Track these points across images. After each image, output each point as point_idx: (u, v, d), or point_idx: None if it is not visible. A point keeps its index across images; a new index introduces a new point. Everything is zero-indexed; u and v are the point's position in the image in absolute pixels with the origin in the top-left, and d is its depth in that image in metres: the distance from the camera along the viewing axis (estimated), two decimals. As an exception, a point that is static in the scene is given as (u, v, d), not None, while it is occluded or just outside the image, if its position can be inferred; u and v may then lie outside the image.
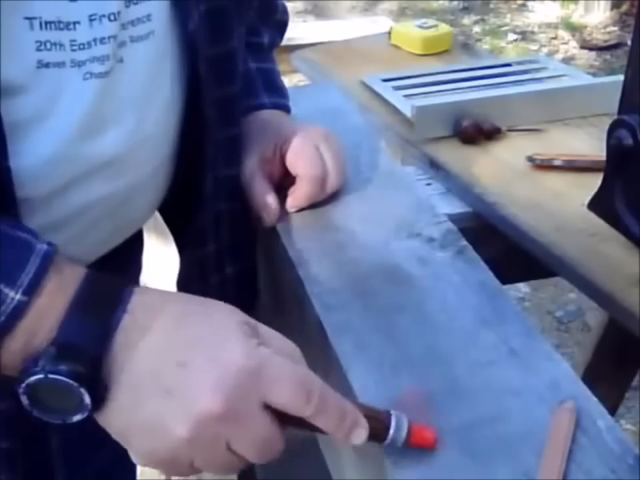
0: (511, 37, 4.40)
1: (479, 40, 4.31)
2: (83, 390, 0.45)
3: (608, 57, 4.10)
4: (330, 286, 0.65)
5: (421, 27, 1.44)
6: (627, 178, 0.80)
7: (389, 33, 1.47)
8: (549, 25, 4.54)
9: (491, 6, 4.84)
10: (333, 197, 0.77)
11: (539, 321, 2.26)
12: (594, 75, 2.22)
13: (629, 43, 0.84)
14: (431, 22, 1.47)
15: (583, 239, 0.83)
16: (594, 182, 0.83)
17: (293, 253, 0.70)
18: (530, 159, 0.99)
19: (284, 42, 0.93)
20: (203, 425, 0.45)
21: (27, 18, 0.52)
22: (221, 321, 0.48)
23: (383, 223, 0.73)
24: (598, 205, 0.84)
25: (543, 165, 0.97)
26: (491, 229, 0.90)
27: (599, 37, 4.28)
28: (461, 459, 0.49)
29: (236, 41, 0.69)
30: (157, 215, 0.76)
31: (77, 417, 0.47)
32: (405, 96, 1.16)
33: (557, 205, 0.89)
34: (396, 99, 1.15)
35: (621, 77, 0.81)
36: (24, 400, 0.46)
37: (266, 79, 0.83)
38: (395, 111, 1.13)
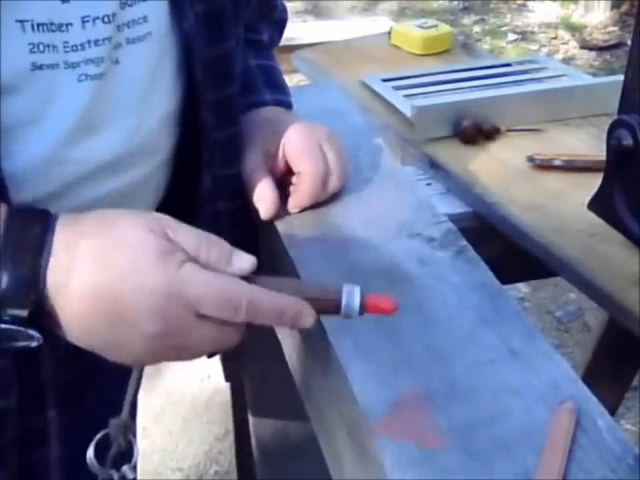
0: (511, 36, 4.40)
1: (479, 40, 4.32)
2: (31, 331, 0.50)
3: (608, 56, 4.10)
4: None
5: (420, 27, 1.44)
6: (627, 178, 0.80)
7: (389, 33, 1.47)
8: (548, 25, 4.54)
9: (491, 6, 4.84)
10: (334, 197, 0.77)
11: (539, 320, 2.26)
12: (594, 75, 2.22)
13: (629, 42, 0.84)
14: (431, 22, 1.47)
15: (582, 239, 0.83)
16: (594, 182, 0.83)
17: (293, 252, 0.70)
18: (530, 159, 0.99)
19: (284, 42, 0.93)
20: (152, 344, 0.51)
21: (18, 21, 0.52)
22: (137, 246, 0.50)
23: (383, 222, 0.73)
24: (598, 205, 0.84)
25: (543, 165, 0.98)
26: (491, 229, 0.90)
27: (599, 37, 4.28)
28: (460, 459, 0.49)
29: (233, 42, 0.69)
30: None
31: (33, 345, 0.51)
32: (405, 96, 1.16)
33: (557, 204, 0.89)
34: (396, 99, 1.15)
35: (621, 77, 0.81)
36: None
37: (267, 76, 0.82)
38: (395, 110, 1.13)
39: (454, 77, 1.23)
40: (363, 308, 0.53)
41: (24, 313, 0.49)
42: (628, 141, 0.77)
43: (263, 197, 0.73)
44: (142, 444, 0.96)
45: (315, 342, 0.63)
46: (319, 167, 0.73)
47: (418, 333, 0.59)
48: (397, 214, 0.74)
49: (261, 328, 0.54)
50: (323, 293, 0.54)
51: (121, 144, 0.62)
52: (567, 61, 3.96)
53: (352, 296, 0.53)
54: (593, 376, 1.34)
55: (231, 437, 1.64)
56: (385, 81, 1.23)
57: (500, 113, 1.07)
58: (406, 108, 1.10)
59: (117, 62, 0.59)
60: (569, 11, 4.61)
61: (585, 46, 4.22)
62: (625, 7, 4.38)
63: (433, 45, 1.41)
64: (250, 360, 1.14)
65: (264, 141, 0.75)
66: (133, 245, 0.50)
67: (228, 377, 1.41)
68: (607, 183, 0.82)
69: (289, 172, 0.76)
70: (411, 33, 1.43)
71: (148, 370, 0.94)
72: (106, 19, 0.56)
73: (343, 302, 0.53)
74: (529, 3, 4.79)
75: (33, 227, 0.50)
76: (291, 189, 0.75)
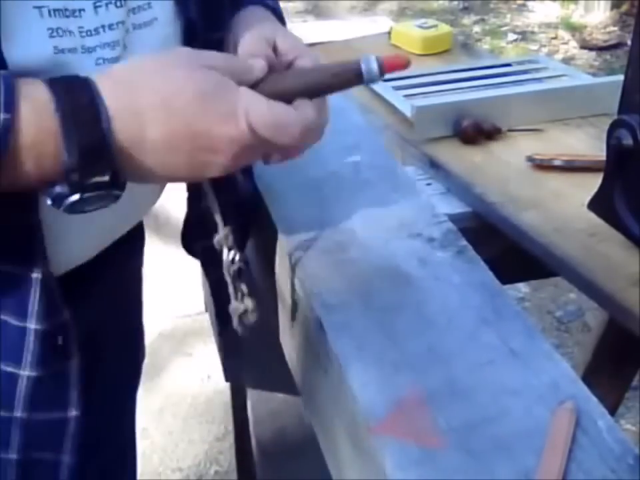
0: (511, 36, 4.40)
1: (479, 40, 4.32)
2: (114, 191, 0.53)
3: (608, 56, 4.10)
4: (330, 286, 0.65)
5: (420, 27, 1.44)
6: (627, 178, 0.80)
7: (389, 33, 1.47)
8: (548, 25, 4.54)
9: (491, 6, 4.84)
10: (333, 197, 0.77)
11: (539, 320, 2.26)
12: (594, 75, 2.22)
13: (629, 42, 0.84)
14: (431, 22, 1.47)
15: (582, 239, 0.83)
16: (594, 182, 0.83)
17: (293, 252, 0.70)
18: (530, 159, 0.99)
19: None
20: (235, 156, 0.55)
21: (35, 7, 0.54)
22: (194, 86, 0.54)
23: (383, 222, 0.73)
24: (598, 204, 0.84)
25: (543, 165, 0.97)
26: (490, 229, 0.90)
27: (599, 37, 4.29)
28: (461, 459, 0.49)
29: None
30: (158, 215, 0.76)
31: (113, 203, 0.55)
32: (405, 96, 1.16)
33: (557, 204, 0.89)
34: (396, 98, 1.15)
35: (621, 77, 0.81)
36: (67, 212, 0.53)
37: None
38: (395, 110, 1.13)
39: (454, 77, 1.23)
40: (382, 69, 0.61)
41: (105, 178, 0.52)
42: (628, 140, 0.77)
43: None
44: (142, 444, 0.96)
45: (315, 342, 0.63)
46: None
47: (418, 333, 0.59)
48: (397, 214, 0.74)
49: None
50: (343, 67, 0.62)
51: None
52: (567, 60, 3.96)
53: (369, 61, 0.61)
54: (592, 376, 1.34)
55: (231, 437, 1.64)
56: (385, 80, 1.23)
57: (500, 113, 1.06)
58: (406, 108, 1.10)
59: (124, 47, 0.60)
60: (568, 11, 4.61)
61: (585, 46, 4.22)
62: (624, 7, 4.38)
63: (433, 45, 1.41)
64: (250, 360, 1.15)
65: (260, 27, 0.72)
66: (188, 90, 0.53)
67: (228, 377, 1.41)
68: (607, 182, 0.82)
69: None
70: (411, 33, 1.43)
71: (148, 370, 0.95)
72: (118, 3, 0.58)
73: (363, 68, 0.60)
74: (529, 3, 4.80)
75: (79, 97, 0.51)
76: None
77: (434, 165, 1.01)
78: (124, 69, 0.55)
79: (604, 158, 0.83)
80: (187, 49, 0.58)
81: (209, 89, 0.54)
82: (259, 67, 0.59)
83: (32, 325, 0.58)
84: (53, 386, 0.61)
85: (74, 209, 0.53)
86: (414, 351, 0.58)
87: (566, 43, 4.31)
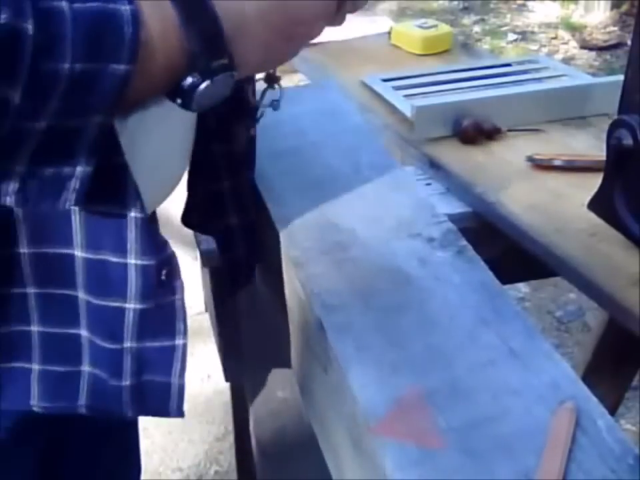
0: (511, 36, 4.40)
1: (479, 40, 4.32)
2: (234, 72, 0.56)
3: (608, 56, 4.10)
4: (330, 286, 0.65)
5: (420, 27, 1.44)
6: (627, 178, 0.80)
7: (389, 33, 1.47)
8: (548, 25, 4.54)
9: (491, 6, 4.84)
10: (333, 197, 0.77)
11: (539, 320, 2.26)
12: (594, 75, 2.21)
13: (629, 42, 0.84)
14: (431, 22, 1.47)
15: (583, 239, 0.83)
16: (594, 182, 0.83)
17: (293, 252, 0.70)
18: (530, 159, 0.99)
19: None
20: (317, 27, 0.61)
21: None
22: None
23: (383, 222, 0.73)
24: (598, 204, 0.84)
25: (543, 165, 0.97)
26: (491, 229, 0.90)
27: (599, 37, 4.29)
28: (461, 459, 0.49)
29: None
30: (159, 216, 0.76)
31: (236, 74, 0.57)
32: (405, 96, 1.16)
33: (557, 205, 0.89)
34: (396, 98, 1.15)
35: (621, 77, 0.81)
36: (194, 106, 0.55)
37: None
38: (395, 110, 1.13)
39: (454, 76, 1.23)
40: None
41: (225, 60, 0.54)
42: (628, 140, 0.77)
43: None
44: (142, 443, 0.96)
45: (315, 342, 0.63)
46: None
47: (418, 333, 0.59)
48: (397, 214, 0.74)
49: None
50: None
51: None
52: (567, 61, 3.96)
53: None
54: (592, 376, 1.34)
55: (231, 437, 1.64)
56: (385, 80, 1.23)
57: (500, 113, 1.06)
58: (406, 108, 1.10)
59: None
60: (569, 11, 4.61)
61: (585, 46, 4.22)
62: (625, 7, 4.38)
63: (433, 45, 1.41)
64: (250, 360, 1.15)
65: None
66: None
67: (228, 377, 1.41)
68: (607, 182, 0.82)
69: None
70: (411, 33, 1.43)
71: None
72: None
73: None
74: (529, 3, 4.80)
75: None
76: None
77: (434, 165, 1.01)
78: None
79: (604, 158, 0.83)
80: None
81: None
82: None
83: (132, 260, 0.60)
84: (160, 317, 0.63)
85: (205, 97, 0.55)
86: (414, 351, 0.58)
87: (566, 43, 4.31)
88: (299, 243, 0.71)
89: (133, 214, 0.58)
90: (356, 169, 0.81)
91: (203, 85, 0.54)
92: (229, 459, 1.82)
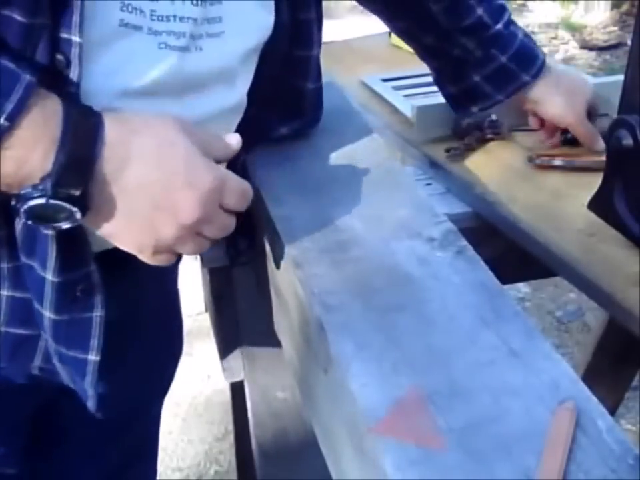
0: (511, 37, 4.39)
1: (479, 40, 4.31)
2: (75, 209, 0.54)
3: (608, 56, 4.10)
4: (330, 286, 0.65)
5: (421, 26, 1.44)
6: (627, 178, 0.80)
7: (389, 33, 1.47)
8: (549, 25, 4.54)
9: (491, 6, 4.83)
10: (333, 197, 0.77)
11: (539, 320, 2.26)
12: (594, 75, 2.21)
13: (629, 42, 0.84)
14: (431, 22, 1.46)
15: (582, 239, 0.83)
16: (594, 182, 0.83)
17: (293, 252, 0.70)
18: (530, 159, 0.99)
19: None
20: (186, 228, 0.57)
21: None
22: (187, 146, 0.57)
23: (383, 222, 0.73)
24: (598, 204, 0.84)
25: (543, 165, 0.97)
26: (491, 229, 0.90)
27: (599, 37, 4.29)
28: (460, 459, 0.49)
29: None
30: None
31: (67, 225, 0.55)
32: (405, 96, 1.16)
33: (557, 205, 0.89)
34: (396, 98, 1.15)
35: (621, 77, 0.81)
36: (22, 215, 0.53)
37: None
38: (395, 110, 1.13)
39: (454, 76, 1.23)
40: None
41: (77, 192, 0.53)
42: (628, 140, 0.77)
43: (596, 137, 0.99)
44: (142, 444, 0.97)
45: (315, 342, 0.63)
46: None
47: (418, 333, 0.59)
48: (396, 214, 0.74)
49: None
50: None
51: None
52: (567, 61, 3.96)
53: None
54: (593, 376, 1.34)
55: (231, 437, 1.64)
56: (385, 80, 1.23)
57: (500, 113, 1.06)
58: (406, 108, 1.10)
59: (200, 49, 0.63)
60: (569, 10, 4.61)
61: (585, 46, 4.22)
62: (625, 7, 4.39)
63: (433, 45, 1.41)
64: (250, 359, 1.15)
65: (582, 95, 1.00)
66: (183, 144, 0.57)
67: (228, 377, 1.41)
68: (607, 183, 0.82)
69: None
70: (411, 32, 1.43)
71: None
72: (195, 2, 0.61)
73: None
74: (529, 3, 4.80)
75: (88, 118, 0.54)
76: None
77: (434, 165, 1.01)
78: (130, 114, 0.58)
79: (604, 158, 0.83)
80: (183, 120, 0.60)
81: (197, 151, 0.58)
82: (234, 142, 0.63)
83: (49, 276, 0.62)
84: (74, 330, 0.66)
85: (32, 213, 0.53)
86: (414, 351, 0.58)
87: (566, 43, 4.31)
88: (298, 243, 0.71)
89: (50, 232, 0.60)
90: (356, 169, 0.81)
91: (35, 201, 0.53)
92: (228, 458, 1.82)
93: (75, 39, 0.55)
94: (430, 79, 1.22)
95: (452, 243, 0.70)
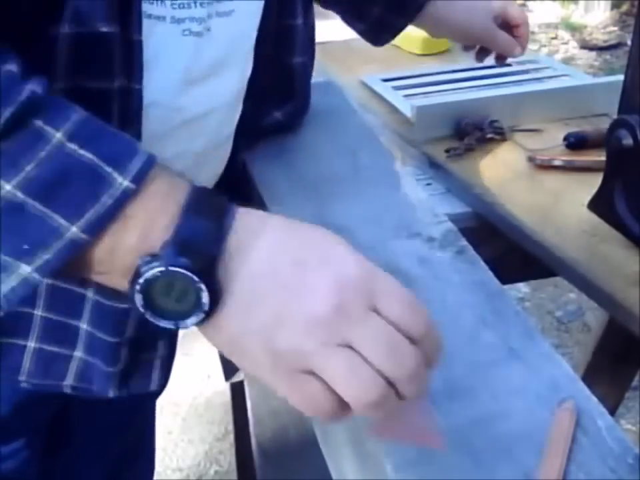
0: (511, 37, 4.40)
1: (479, 40, 4.31)
2: (202, 286, 0.44)
3: (608, 56, 4.10)
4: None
5: (421, 27, 1.44)
6: (627, 178, 0.80)
7: (389, 33, 1.47)
8: (548, 25, 4.54)
9: (491, 6, 4.83)
10: (333, 197, 0.77)
11: (539, 320, 2.26)
12: (594, 75, 2.22)
13: (629, 42, 0.84)
14: (431, 22, 1.46)
15: (583, 239, 0.83)
16: (594, 182, 0.83)
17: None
18: (530, 159, 0.99)
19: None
20: (320, 322, 0.44)
21: None
22: (329, 235, 0.48)
23: (383, 222, 0.73)
24: (598, 204, 0.84)
25: (543, 165, 0.98)
26: (491, 229, 0.90)
27: (599, 37, 4.29)
28: (460, 459, 0.49)
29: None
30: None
31: (192, 320, 0.45)
32: (405, 96, 1.16)
33: (557, 204, 0.89)
34: (396, 98, 1.15)
35: (621, 77, 0.81)
36: (138, 300, 0.45)
37: None
38: (395, 110, 1.13)
39: (454, 76, 1.23)
40: None
41: (202, 262, 0.44)
42: (628, 140, 0.77)
43: (512, 43, 1.06)
44: (142, 444, 0.97)
45: (315, 342, 0.63)
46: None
47: (418, 333, 0.59)
48: (396, 214, 0.74)
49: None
50: None
51: (206, 101, 0.66)
52: (567, 60, 3.96)
53: None
54: (593, 376, 1.34)
55: (231, 437, 1.64)
56: (385, 80, 1.23)
57: (500, 113, 1.06)
58: (406, 108, 1.10)
59: (209, 29, 0.62)
60: (568, 10, 4.61)
61: (585, 46, 4.22)
62: (625, 7, 4.39)
63: (432, 45, 1.41)
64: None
65: (487, 7, 1.04)
66: (324, 233, 0.48)
67: (228, 377, 1.41)
68: (607, 183, 0.82)
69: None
70: (411, 33, 1.42)
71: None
72: None
73: None
74: (529, 3, 4.79)
75: (216, 196, 0.48)
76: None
77: (434, 165, 1.01)
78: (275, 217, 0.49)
79: (604, 158, 0.83)
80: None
81: (342, 241, 0.48)
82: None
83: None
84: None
85: (150, 290, 0.45)
86: (414, 351, 0.58)
87: (566, 43, 4.31)
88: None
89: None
90: (356, 168, 0.81)
91: (153, 271, 0.44)
92: (228, 458, 1.82)
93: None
94: (430, 78, 1.23)
95: (452, 243, 0.70)
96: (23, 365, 0.65)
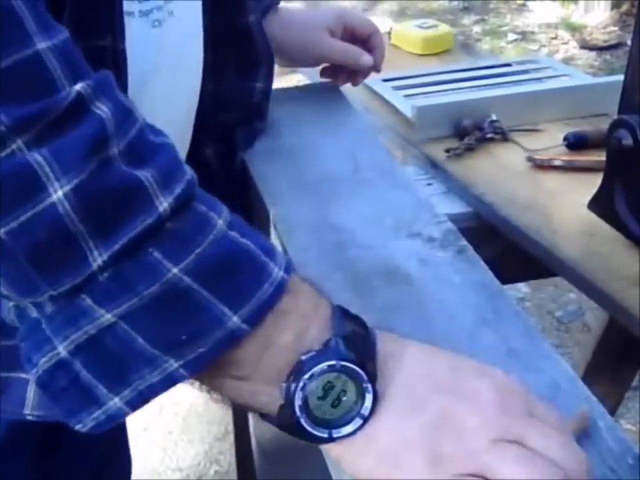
0: (511, 36, 4.40)
1: (479, 40, 4.32)
2: (369, 386, 0.42)
3: (608, 56, 4.10)
4: (329, 286, 0.65)
5: (420, 27, 1.44)
6: (627, 178, 0.80)
7: (389, 33, 1.47)
8: (549, 25, 4.54)
9: (491, 6, 4.84)
10: (333, 197, 0.77)
11: (539, 320, 2.26)
12: (594, 75, 2.22)
13: (629, 42, 0.84)
14: (431, 22, 1.47)
15: (583, 239, 0.83)
16: (594, 182, 0.83)
17: (293, 252, 0.70)
18: (530, 159, 0.99)
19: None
20: (490, 420, 0.42)
21: None
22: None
23: (383, 222, 0.73)
24: (598, 204, 0.84)
25: (543, 165, 0.98)
26: (491, 229, 0.90)
27: (599, 37, 4.29)
28: (460, 459, 0.49)
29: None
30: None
31: (348, 429, 0.42)
32: (405, 96, 1.16)
33: (557, 205, 0.89)
34: (396, 99, 1.15)
35: (621, 77, 0.81)
36: (297, 400, 0.41)
37: None
38: (395, 111, 1.13)
39: (454, 76, 1.23)
40: None
41: (368, 364, 0.43)
42: (628, 140, 0.77)
43: (356, 51, 0.95)
44: (142, 443, 0.96)
45: (315, 342, 0.63)
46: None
47: (418, 333, 0.59)
48: (396, 214, 0.74)
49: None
50: None
51: (168, 90, 0.65)
52: (567, 60, 3.96)
53: None
54: (593, 376, 1.34)
55: (231, 437, 1.64)
56: (385, 80, 1.23)
57: (500, 113, 1.07)
58: (406, 108, 1.10)
59: (171, 13, 0.62)
60: (569, 10, 4.61)
61: (585, 46, 4.22)
62: (625, 7, 4.39)
63: (432, 45, 1.41)
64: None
65: (320, 22, 0.94)
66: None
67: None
68: (607, 183, 0.82)
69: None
70: (411, 33, 1.44)
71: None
72: None
73: None
74: (529, 3, 4.80)
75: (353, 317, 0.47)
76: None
77: (434, 165, 1.01)
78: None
79: (604, 158, 0.83)
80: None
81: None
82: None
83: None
84: None
85: (308, 390, 0.42)
86: (414, 351, 0.58)
87: (566, 43, 4.31)
88: (298, 242, 0.71)
89: None
90: (356, 168, 0.81)
91: (323, 365, 0.41)
92: (228, 458, 1.82)
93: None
94: (430, 78, 1.23)
95: (452, 243, 0.70)
96: (27, 398, 0.64)
